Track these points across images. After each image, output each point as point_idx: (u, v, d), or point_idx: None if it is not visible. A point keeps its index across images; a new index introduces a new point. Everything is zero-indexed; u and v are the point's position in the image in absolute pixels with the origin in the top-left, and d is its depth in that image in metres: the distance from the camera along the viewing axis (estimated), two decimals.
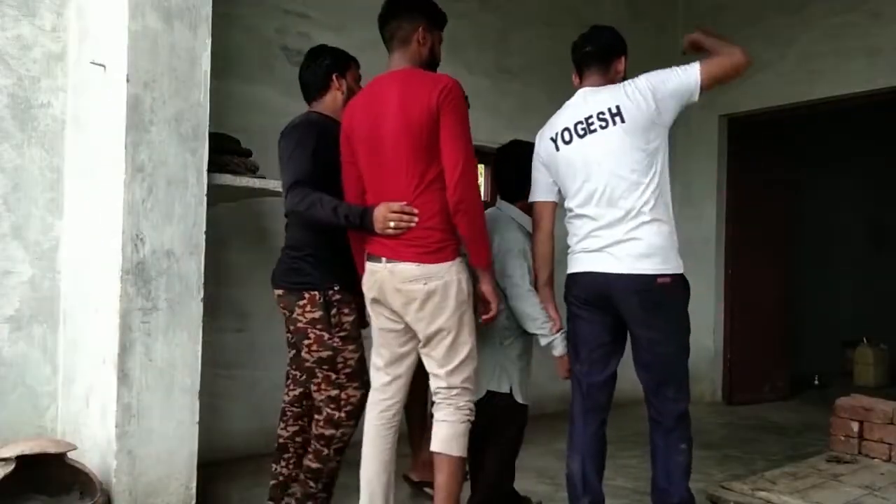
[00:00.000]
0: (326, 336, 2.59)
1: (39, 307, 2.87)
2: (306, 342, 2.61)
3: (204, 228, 2.75)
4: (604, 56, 2.62)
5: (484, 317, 2.43)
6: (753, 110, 5.84)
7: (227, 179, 3.00)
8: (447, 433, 2.35)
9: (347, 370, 2.61)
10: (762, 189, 6.04)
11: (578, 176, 2.52)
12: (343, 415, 2.62)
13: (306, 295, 2.59)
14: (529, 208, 2.83)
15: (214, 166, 2.89)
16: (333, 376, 2.61)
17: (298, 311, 2.61)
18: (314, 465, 2.64)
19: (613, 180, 2.44)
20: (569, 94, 2.68)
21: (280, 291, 2.69)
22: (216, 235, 3.06)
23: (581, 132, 2.52)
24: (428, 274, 2.29)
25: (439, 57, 2.50)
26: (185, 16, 2.71)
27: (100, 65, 2.70)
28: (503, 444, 2.74)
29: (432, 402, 2.42)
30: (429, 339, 2.35)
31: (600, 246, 2.47)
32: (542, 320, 2.61)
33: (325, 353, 2.60)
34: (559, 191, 2.66)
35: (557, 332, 2.64)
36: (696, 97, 2.50)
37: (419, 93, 2.27)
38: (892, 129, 7.44)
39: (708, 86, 2.49)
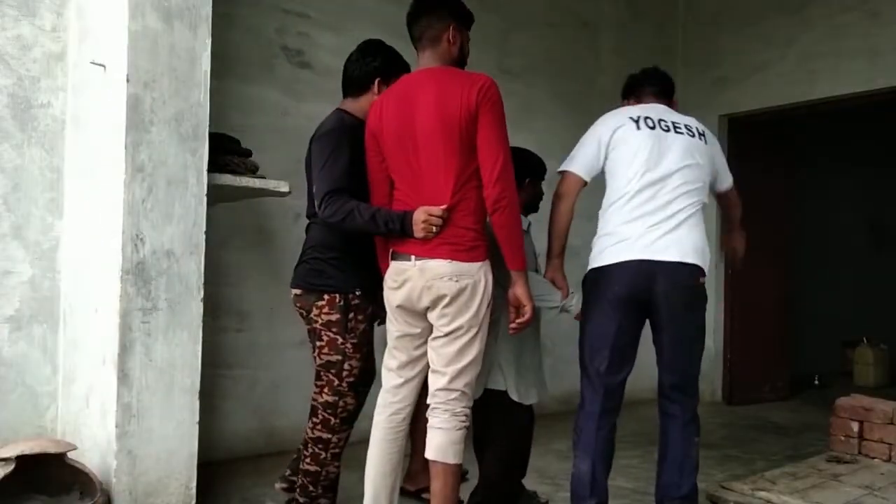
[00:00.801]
0: (340, 340, 2.57)
1: (39, 307, 2.86)
2: (319, 344, 2.60)
3: (204, 228, 2.75)
4: (668, 93, 2.90)
5: (518, 320, 2.36)
6: (753, 110, 5.84)
7: (227, 179, 2.99)
8: (442, 440, 2.31)
9: (350, 379, 2.60)
10: (762, 189, 6.03)
11: (655, 159, 2.57)
12: (338, 421, 2.61)
13: (326, 297, 2.57)
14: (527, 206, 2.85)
15: (214, 166, 2.89)
16: (336, 382, 2.59)
17: (315, 311, 2.59)
18: (312, 469, 2.64)
19: (691, 176, 2.58)
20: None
21: (298, 291, 2.67)
22: (216, 235, 3.06)
23: (665, 127, 2.64)
24: (460, 272, 2.27)
25: (467, 56, 2.49)
26: (185, 16, 2.70)
27: (100, 65, 2.70)
28: (503, 444, 2.73)
29: (427, 406, 2.39)
30: (445, 335, 2.32)
31: (651, 228, 2.51)
32: (548, 294, 2.63)
33: (334, 358, 2.58)
34: (588, 179, 2.72)
35: (566, 297, 2.69)
36: (719, 187, 2.89)
37: (457, 91, 2.25)
38: (892, 129, 7.44)
39: (719, 197, 2.97)
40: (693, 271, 2.51)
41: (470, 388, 2.36)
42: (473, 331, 2.31)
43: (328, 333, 2.58)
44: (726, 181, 2.88)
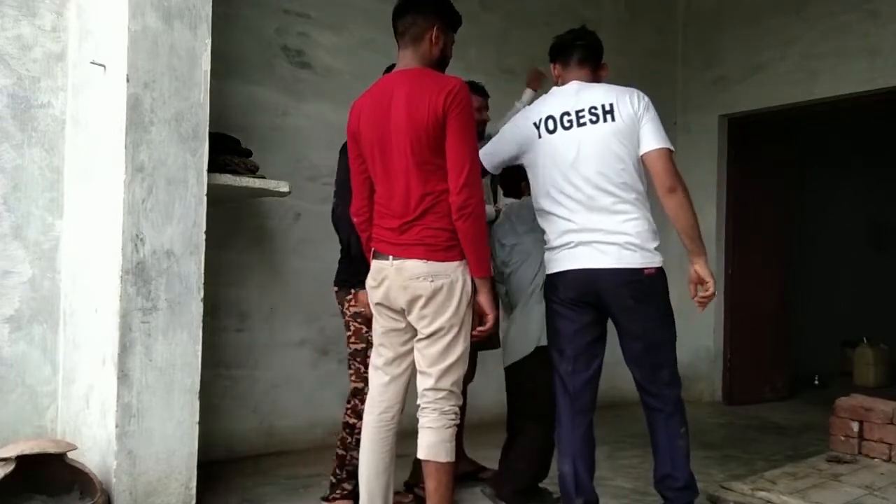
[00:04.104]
0: (364, 329, 2.75)
1: (39, 307, 2.87)
2: (347, 334, 2.83)
3: (204, 228, 2.75)
4: (596, 56, 2.68)
5: (479, 328, 2.39)
6: (753, 110, 5.84)
7: (227, 179, 3.00)
8: (433, 439, 2.32)
9: None
10: (762, 189, 6.04)
11: (560, 169, 2.52)
12: (365, 407, 2.66)
13: (353, 291, 2.78)
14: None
15: (214, 166, 2.89)
16: (362, 370, 2.74)
17: (346, 304, 2.82)
18: (340, 452, 2.84)
19: (598, 177, 2.48)
20: None
21: (335, 288, 2.90)
22: (216, 235, 3.06)
23: (567, 124, 2.52)
24: (435, 272, 2.28)
25: (449, 59, 2.48)
26: (185, 16, 2.71)
27: (100, 65, 2.70)
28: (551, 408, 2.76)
29: (416, 406, 2.40)
30: (427, 337, 2.33)
31: (585, 241, 2.48)
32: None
33: (359, 346, 2.79)
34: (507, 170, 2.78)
35: None
36: (641, 151, 2.50)
37: (426, 95, 2.25)
38: (892, 129, 7.45)
39: (647, 162, 2.50)
40: (634, 271, 2.46)
41: (457, 386, 2.37)
42: (455, 330, 2.32)
43: (354, 324, 2.80)
44: (644, 145, 2.49)
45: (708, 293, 2.54)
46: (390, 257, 2.34)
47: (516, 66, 5.14)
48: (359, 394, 2.77)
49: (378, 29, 3.47)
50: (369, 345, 2.69)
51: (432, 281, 2.28)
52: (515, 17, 5.21)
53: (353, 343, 2.82)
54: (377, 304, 2.42)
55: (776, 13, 5.64)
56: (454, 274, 2.30)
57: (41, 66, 2.89)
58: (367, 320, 2.66)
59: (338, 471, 2.85)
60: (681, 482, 2.50)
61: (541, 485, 3.02)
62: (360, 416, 2.70)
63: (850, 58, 5.22)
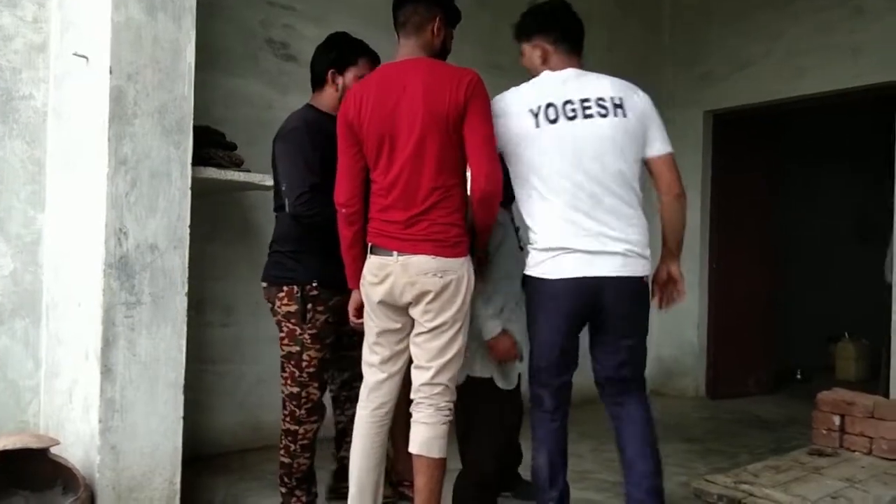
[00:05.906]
0: (298, 331, 2.63)
1: (21, 301, 2.84)
2: (280, 335, 2.67)
3: (188, 222, 2.73)
4: (580, 39, 2.55)
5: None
6: (739, 106, 5.87)
7: (212, 173, 2.98)
8: (427, 435, 2.31)
9: (311, 369, 2.65)
10: (747, 185, 6.08)
11: (564, 165, 2.33)
12: (304, 412, 2.66)
13: (285, 288, 2.64)
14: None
15: (199, 159, 2.87)
16: (297, 373, 2.65)
17: (277, 303, 2.66)
18: (285, 461, 2.70)
19: (604, 175, 2.33)
20: None
21: (264, 284, 2.74)
22: (200, 229, 3.05)
23: (570, 114, 2.33)
24: (445, 267, 2.26)
25: (449, 52, 2.48)
26: (169, 7, 2.68)
27: (82, 56, 2.67)
28: (493, 433, 2.72)
29: (410, 401, 2.38)
30: (429, 331, 2.31)
31: (586, 248, 2.33)
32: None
33: (294, 348, 2.64)
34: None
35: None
36: (645, 155, 2.45)
37: (445, 85, 2.23)
38: (877, 124, 7.50)
39: (655, 165, 2.47)
40: (635, 279, 2.40)
41: (453, 381, 2.36)
42: (458, 325, 2.32)
43: (287, 324, 2.64)
44: (654, 148, 2.41)
45: (681, 294, 2.55)
46: (394, 252, 2.29)
47: (505, 62, 5.14)
48: (295, 398, 2.66)
49: (363, 21, 3.44)
50: (304, 347, 2.62)
51: (441, 277, 2.26)
52: (505, 13, 5.17)
53: (286, 345, 2.65)
54: (378, 302, 2.36)
55: (762, 8, 5.66)
56: (461, 270, 2.30)
57: (22, 58, 2.85)
58: (303, 320, 2.60)
59: (286, 479, 2.71)
60: (660, 479, 2.46)
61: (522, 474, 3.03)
62: (300, 423, 2.66)
63: (836, 54, 5.26)
